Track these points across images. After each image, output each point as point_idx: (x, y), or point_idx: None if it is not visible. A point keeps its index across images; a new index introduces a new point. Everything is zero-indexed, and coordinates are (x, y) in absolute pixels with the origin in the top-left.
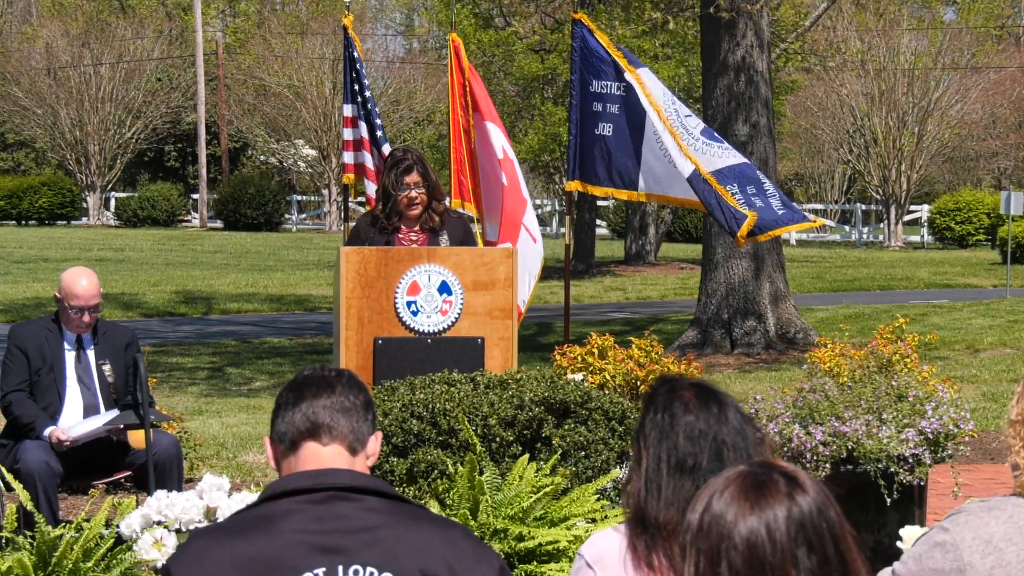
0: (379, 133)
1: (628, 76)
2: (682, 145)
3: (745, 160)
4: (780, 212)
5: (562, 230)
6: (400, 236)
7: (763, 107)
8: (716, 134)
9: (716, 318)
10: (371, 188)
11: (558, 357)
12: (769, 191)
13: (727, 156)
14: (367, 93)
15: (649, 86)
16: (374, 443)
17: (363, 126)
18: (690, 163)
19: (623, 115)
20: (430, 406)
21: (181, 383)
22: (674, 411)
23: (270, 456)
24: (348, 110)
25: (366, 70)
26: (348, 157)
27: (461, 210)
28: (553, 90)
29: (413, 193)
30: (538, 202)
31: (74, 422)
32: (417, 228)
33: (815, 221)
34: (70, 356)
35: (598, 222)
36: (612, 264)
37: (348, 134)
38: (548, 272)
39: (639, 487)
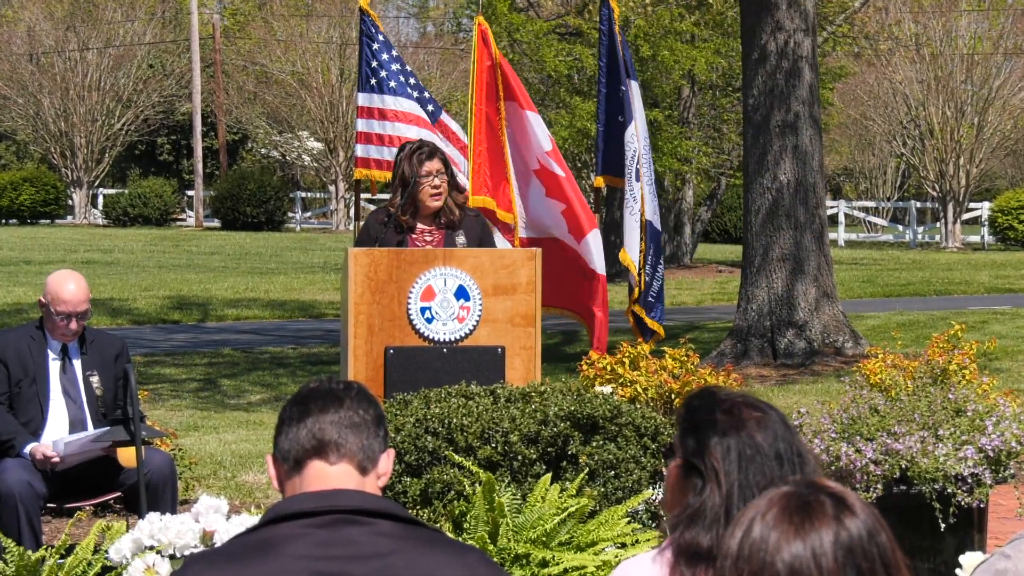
0: (430, 107)
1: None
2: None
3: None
4: (651, 299)
5: None
6: (414, 236)
7: (809, 95)
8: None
9: (757, 325)
10: None
11: (585, 368)
12: (659, 272)
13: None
14: (408, 77)
15: (636, 104)
16: (386, 461)
17: (402, 103)
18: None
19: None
20: (446, 421)
21: (175, 396)
22: (750, 431)
23: (273, 476)
24: (362, 99)
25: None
26: (361, 150)
27: (478, 208)
28: (580, 79)
29: (436, 181)
30: None
31: (58, 438)
32: (433, 227)
33: (659, 334)
34: (55, 367)
35: None
36: None
37: (361, 125)
38: None
39: (717, 517)
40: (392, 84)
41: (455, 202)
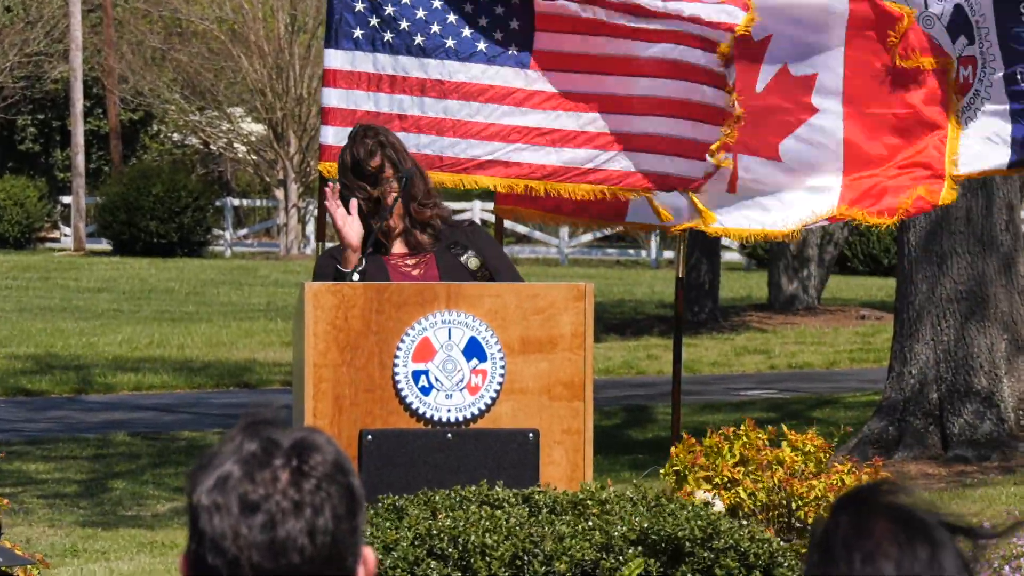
0: (512, 49)
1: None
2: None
3: None
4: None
5: (667, 255)
6: (389, 258)
7: None
8: None
9: (918, 398)
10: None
11: (678, 453)
12: None
13: None
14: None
15: None
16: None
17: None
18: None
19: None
20: (460, 540)
21: (45, 506)
22: (856, 556)
23: None
24: (332, 58)
25: None
26: (331, 135)
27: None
28: None
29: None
30: None
31: None
32: (406, 249)
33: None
34: None
35: (724, 242)
36: (748, 310)
37: (332, 97)
38: (647, 323)
39: None
40: (399, 40)
41: (420, 220)
